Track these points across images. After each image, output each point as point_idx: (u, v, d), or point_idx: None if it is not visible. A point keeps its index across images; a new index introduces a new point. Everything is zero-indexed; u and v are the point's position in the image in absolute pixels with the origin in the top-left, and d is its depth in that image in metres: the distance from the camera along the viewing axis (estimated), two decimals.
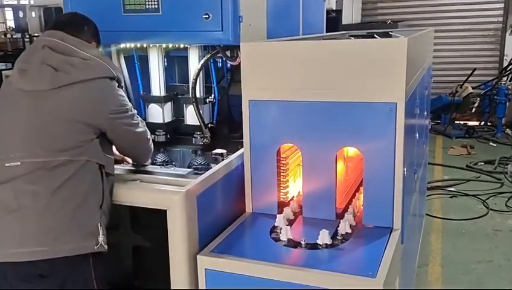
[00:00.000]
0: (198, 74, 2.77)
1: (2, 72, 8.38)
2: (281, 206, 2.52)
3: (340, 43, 2.33)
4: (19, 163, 1.98)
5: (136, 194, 2.17)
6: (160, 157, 3.05)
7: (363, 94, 2.23)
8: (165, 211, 2.10)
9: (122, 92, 2.25)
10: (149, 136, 2.45)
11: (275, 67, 2.38)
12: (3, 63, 8.85)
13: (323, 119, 2.32)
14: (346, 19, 7.97)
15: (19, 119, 2.05)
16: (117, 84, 2.23)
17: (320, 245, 2.10)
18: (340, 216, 2.40)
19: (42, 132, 2.02)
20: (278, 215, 2.33)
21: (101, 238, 2.05)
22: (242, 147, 2.94)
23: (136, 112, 2.36)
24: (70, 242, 1.98)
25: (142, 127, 2.36)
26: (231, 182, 2.52)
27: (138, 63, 3.07)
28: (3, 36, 10.85)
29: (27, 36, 9.97)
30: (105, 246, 2.09)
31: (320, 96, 2.30)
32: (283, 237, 2.15)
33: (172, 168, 2.76)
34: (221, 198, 2.44)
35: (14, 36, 10.72)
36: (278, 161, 2.51)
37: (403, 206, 2.29)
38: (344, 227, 2.25)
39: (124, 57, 3.08)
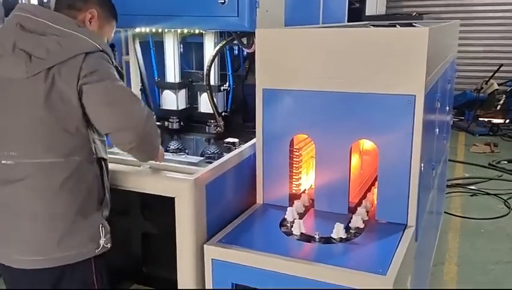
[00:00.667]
0: (212, 61, 2.71)
1: None
2: (293, 198, 2.47)
3: (359, 31, 2.24)
4: (13, 162, 1.86)
5: (144, 181, 2.14)
6: (173, 145, 3.02)
7: (381, 85, 2.14)
8: (173, 199, 2.07)
9: (108, 66, 1.91)
10: (144, 107, 2.01)
11: (290, 55, 2.31)
12: None
13: (338, 110, 2.25)
14: (370, 10, 7.82)
15: (7, 111, 1.88)
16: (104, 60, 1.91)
17: (334, 239, 2.04)
18: (352, 210, 2.33)
19: (33, 128, 1.85)
20: (288, 208, 2.27)
21: (103, 241, 1.98)
22: (255, 136, 2.92)
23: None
24: (72, 249, 1.91)
25: (129, 93, 2.04)
26: (242, 172, 2.48)
27: (154, 48, 3.03)
28: None
29: None
30: (108, 245, 2.03)
31: (337, 86, 2.23)
32: (296, 230, 2.09)
33: (184, 156, 2.73)
34: (231, 188, 2.40)
35: None
36: (291, 152, 2.45)
37: (418, 203, 2.21)
38: (356, 221, 2.18)
39: (140, 42, 3.05)
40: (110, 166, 2.15)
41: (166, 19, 2.61)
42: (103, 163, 2.04)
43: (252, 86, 2.67)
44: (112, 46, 7.66)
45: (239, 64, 3.14)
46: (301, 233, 2.07)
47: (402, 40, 2.09)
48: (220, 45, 2.69)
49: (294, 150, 2.49)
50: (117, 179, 2.17)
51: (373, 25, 3.31)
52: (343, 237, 2.05)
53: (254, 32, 2.46)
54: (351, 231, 2.13)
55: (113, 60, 1.97)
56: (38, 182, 1.86)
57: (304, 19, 3.14)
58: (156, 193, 2.12)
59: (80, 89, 1.83)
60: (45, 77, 1.81)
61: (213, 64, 2.74)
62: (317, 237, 2.04)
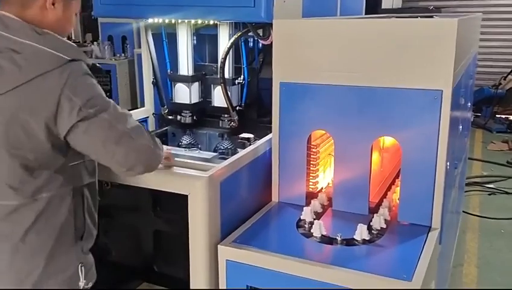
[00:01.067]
0: (227, 53, 2.61)
1: None
2: (309, 197, 2.37)
3: (383, 22, 2.13)
4: None
5: (156, 178, 2.04)
6: (185, 140, 2.93)
7: (405, 79, 2.03)
8: (187, 196, 1.98)
9: (90, 80, 1.63)
10: (148, 137, 1.79)
11: (309, 47, 2.20)
12: None
13: (360, 105, 2.14)
14: (386, 3, 7.64)
15: None
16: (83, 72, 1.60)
17: (356, 241, 1.94)
18: (373, 211, 2.23)
19: None
20: (304, 208, 2.17)
21: (83, 283, 1.74)
22: (270, 131, 2.81)
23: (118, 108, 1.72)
24: None
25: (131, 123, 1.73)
26: (257, 169, 2.38)
27: (166, 40, 2.94)
28: None
29: None
30: (90, 284, 1.80)
31: (358, 80, 2.12)
32: (316, 232, 1.98)
33: (197, 151, 2.64)
34: (246, 185, 2.31)
35: None
36: (309, 148, 2.35)
37: (443, 203, 2.09)
38: (378, 222, 2.07)
39: (152, 34, 2.95)
40: None
41: (180, 9, 2.51)
42: (85, 190, 1.78)
43: (266, 79, 2.57)
44: (124, 38, 7.62)
45: (253, 57, 3.04)
46: (322, 235, 1.97)
47: (429, 31, 1.97)
48: (235, 36, 2.59)
49: (312, 146, 2.38)
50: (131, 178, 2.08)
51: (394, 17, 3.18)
52: (366, 238, 1.94)
53: (271, 24, 2.36)
54: (373, 231, 2.03)
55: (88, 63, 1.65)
56: (3, 228, 1.64)
57: (322, 11, 3.02)
58: (169, 191, 2.03)
59: (70, 127, 1.56)
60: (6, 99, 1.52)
61: (227, 56, 2.64)
62: (339, 238, 1.94)
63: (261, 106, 2.98)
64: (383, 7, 7.14)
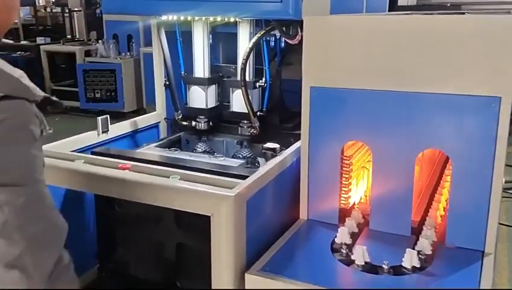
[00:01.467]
0: (249, 54, 2.37)
1: (41, 46, 8.19)
2: (342, 214, 2.13)
3: (434, 19, 1.88)
4: None
5: (174, 197, 1.81)
6: (200, 147, 2.69)
7: (457, 85, 1.79)
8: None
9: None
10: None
11: (345, 47, 1.96)
12: (42, 38, 8.67)
13: (403, 113, 1.90)
14: (401, 1, 7.38)
15: None
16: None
17: (405, 269, 1.70)
18: (416, 231, 1.99)
19: None
20: (339, 229, 1.93)
21: None
22: (294, 139, 2.58)
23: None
24: None
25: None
26: (284, 183, 2.15)
27: (181, 39, 2.69)
28: (43, 10, 10.72)
29: (67, 11, 9.78)
30: None
31: (402, 85, 1.87)
32: (359, 259, 1.73)
33: (222, 158, 2.44)
34: (272, 202, 2.07)
35: (54, 10, 10.57)
36: (340, 160, 2.11)
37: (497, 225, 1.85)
38: (425, 246, 1.83)
39: (166, 32, 2.71)
40: (135, 176, 1.83)
41: (197, 5, 2.28)
42: None
43: (289, 81, 2.33)
44: (129, 36, 7.34)
45: (275, 57, 2.80)
46: (365, 262, 1.73)
47: (487, 29, 1.73)
48: (258, 35, 2.35)
49: (344, 158, 2.14)
50: (143, 193, 1.85)
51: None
52: (417, 265, 1.70)
53: (299, 21, 2.12)
54: (420, 257, 1.78)
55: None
56: None
57: (349, 8, 2.77)
58: (190, 211, 1.79)
59: None
60: None
61: (249, 57, 2.40)
62: (385, 266, 1.69)
63: (283, 110, 2.74)
64: (399, 4, 6.88)
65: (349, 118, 2.00)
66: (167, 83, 2.80)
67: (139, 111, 7.80)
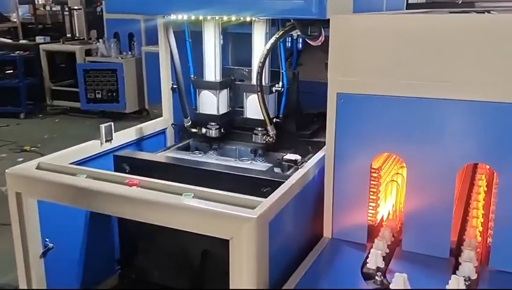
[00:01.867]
0: (266, 56, 2.17)
1: (40, 45, 7.99)
2: (368, 231, 1.94)
3: (481, 17, 1.68)
4: None
5: (187, 218, 1.62)
6: (211, 156, 2.50)
7: (506, 91, 1.59)
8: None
9: None
10: None
11: (376, 49, 1.77)
12: (42, 37, 8.46)
13: (443, 123, 1.71)
14: None
15: None
16: None
17: None
18: (454, 253, 1.79)
19: None
20: (372, 252, 1.74)
21: None
22: (312, 147, 2.40)
23: None
24: None
25: None
26: (306, 199, 1.96)
27: (190, 40, 2.49)
28: (42, 8, 10.50)
29: (67, 9, 9.58)
30: None
31: (441, 92, 1.68)
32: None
33: (249, 162, 2.36)
34: (295, 220, 1.88)
35: (53, 9, 10.36)
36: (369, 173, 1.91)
37: None
38: (468, 270, 1.64)
39: (174, 32, 2.51)
40: (143, 194, 1.63)
41: (209, 4, 2.08)
42: None
43: (305, 83, 2.12)
44: (131, 35, 7.11)
45: (292, 60, 2.61)
46: None
47: None
48: (276, 36, 2.15)
49: (372, 170, 1.95)
50: (153, 213, 1.66)
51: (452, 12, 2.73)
52: None
53: (323, 20, 1.93)
54: (465, 282, 1.59)
55: None
56: None
57: (370, 6, 2.58)
58: (205, 233, 1.60)
59: None
60: None
61: (266, 60, 2.20)
62: None
63: (300, 116, 2.55)
64: (409, 1, 6.68)
65: (380, 127, 1.81)
66: (175, 86, 2.60)
67: (141, 112, 7.62)
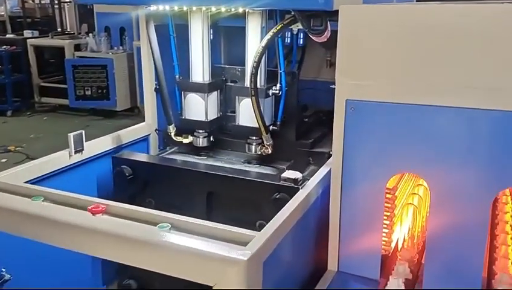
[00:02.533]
0: (261, 56, 1.85)
1: (28, 40, 7.65)
2: (382, 262, 1.63)
3: None
4: None
5: (161, 258, 1.30)
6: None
7: None
8: None
9: None
10: None
11: (397, 46, 1.45)
12: (30, 31, 8.11)
13: (477, 139, 1.39)
14: None
15: None
16: None
17: None
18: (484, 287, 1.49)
19: None
20: None
21: None
22: (313, 158, 2.10)
23: None
24: None
25: None
26: (308, 226, 1.66)
27: (174, 35, 2.17)
28: (31, 1, 10.14)
29: (56, 2, 9.22)
30: None
31: (480, 100, 1.36)
32: None
33: (257, 166, 2.12)
34: (295, 254, 1.56)
35: (42, 2, 10.01)
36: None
37: None
38: None
39: (157, 26, 2.18)
40: (107, 225, 1.32)
41: None
42: None
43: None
44: (122, 29, 6.74)
45: (291, 58, 2.29)
46: None
47: None
48: (274, 30, 1.83)
49: (386, 191, 1.63)
50: (120, 251, 1.34)
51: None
52: None
53: (329, 12, 1.61)
54: None
55: None
56: None
57: None
58: (184, 278, 1.28)
59: None
60: None
61: (262, 59, 1.88)
62: None
63: (300, 123, 2.23)
64: None
65: (400, 142, 1.49)
66: (158, 87, 2.28)
67: (133, 109, 7.30)
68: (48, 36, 7.85)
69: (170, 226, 1.38)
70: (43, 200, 1.54)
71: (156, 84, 2.33)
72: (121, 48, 7.07)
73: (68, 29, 9.26)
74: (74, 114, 7.35)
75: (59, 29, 8.75)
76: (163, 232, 1.34)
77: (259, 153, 2.09)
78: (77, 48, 7.39)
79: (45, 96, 7.72)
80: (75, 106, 7.18)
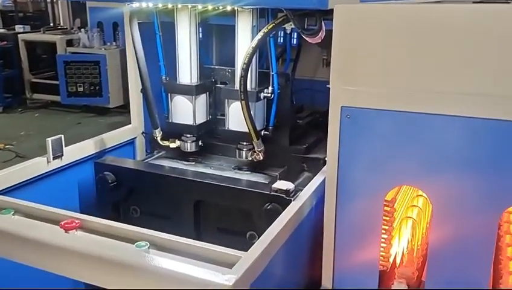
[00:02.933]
0: (252, 56, 1.73)
1: (19, 35, 7.49)
2: (379, 279, 1.52)
3: None
4: None
5: (138, 280, 1.18)
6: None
7: None
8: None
9: None
10: None
11: (396, 48, 1.33)
12: (22, 26, 7.95)
13: (483, 149, 1.28)
14: None
15: None
16: None
17: None
18: None
19: None
20: None
21: None
22: (308, 165, 1.99)
23: None
24: None
25: None
26: (300, 241, 1.54)
27: (160, 33, 2.05)
28: None
29: None
30: None
31: (481, 108, 1.25)
32: None
33: (248, 172, 2.01)
34: (286, 273, 1.45)
35: None
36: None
37: None
38: None
39: (143, 23, 2.06)
40: (80, 244, 1.20)
41: None
42: None
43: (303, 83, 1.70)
44: (115, 24, 6.55)
45: (284, 59, 2.17)
46: None
47: None
48: (265, 30, 1.71)
49: (384, 204, 1.52)
50: (94, 273, 1.22)
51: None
52: None
53: (323, 11, 1.49)
54: None
55: None
56: None
57: None
58: None
59: None
60: None
61: (252, 60, 1.76)
62: None
63: (294, 127, 2.11)
64: None
65: (399, 153, 1.38)
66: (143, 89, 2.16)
67: (126, 106, 7.15)
68: (40, 31, 7.69)
69: (149, 245, 1.26)
70: (13, 214, 1.43)
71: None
72: (114, 43, 6.93)
73: (61, 24, 9.09)
74: (66, 111, 7.21)
75: (51, 24, 8.59)
76: (141, 253, 1.23)
77: (250, 159, 1.98)
78: (69, 43, 7.23)
79: (37, 92, 7.57)
80: (67, 102, 7.04)
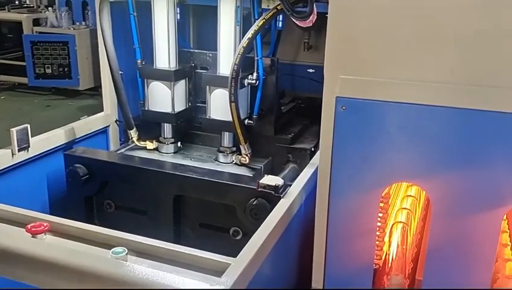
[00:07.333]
0: (242, 56, 1.59)
1: None
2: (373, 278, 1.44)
3: None
4: None
5: None
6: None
7: None
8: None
9: None
10: None
11: (395, 35, 1.23)
12: None
13: (487, 144, 1.19)
14: None
15: None
16: None
17: None
18: None
19: None
20: None
21: None
22: (293, 156, 1.89)
23: None
24: None
25: None
26: (290, 241, 1.45)
27: (135, 14, 1.89)
28: None
29: None
30: None
31: (485, 101, 1.16)
32: None
33: (231, 164, 1.89)
34: (276, 275, 1.35)
35: None
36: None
37: None
38: None
39: (114, 3, 1.90)
40: (49, 250, 1.07)
41: None
42: None
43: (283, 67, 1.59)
44: (85, 3, 6.23)
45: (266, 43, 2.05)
46: None
47: None
48: (255, 27, 1.60)
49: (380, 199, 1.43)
50: (69, 285, 1.09)
51: None
52: None
53: None
54: None
55: None
56: None
57: None
58: None
59: None
60: None
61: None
62: None
63: (279, 116, 2.00)
64: None
65: (398, 147, 1.28)
66: (121, 72, 1.99)
67: (97, 89, 6.90)
68: (5, 9, 7.31)
69: (127, 251, 1.14)
70: None
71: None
72: (83, 23, 6.64)
73: (27, 2, 8.67)
74: (34, 93, 6.91)
75: (17, 2, 8.18)
76: (118, 260, 1.10)
77: (238, 163, 1.86)
78: (36, 22, 6.90)
79: (3, 74, 7.23)
80: (35, 84, 6.74)
